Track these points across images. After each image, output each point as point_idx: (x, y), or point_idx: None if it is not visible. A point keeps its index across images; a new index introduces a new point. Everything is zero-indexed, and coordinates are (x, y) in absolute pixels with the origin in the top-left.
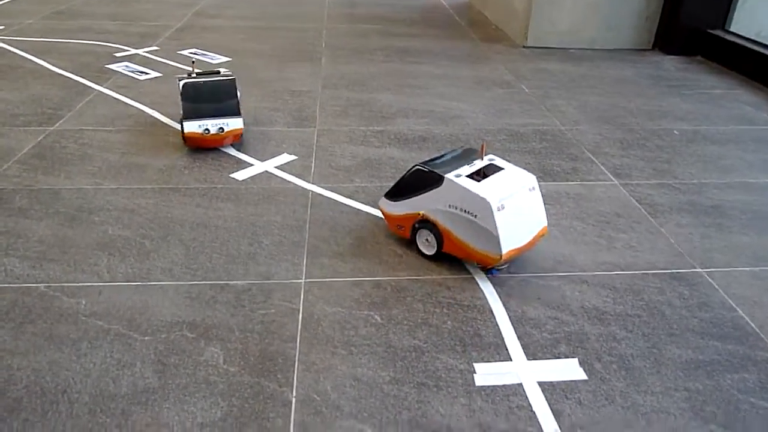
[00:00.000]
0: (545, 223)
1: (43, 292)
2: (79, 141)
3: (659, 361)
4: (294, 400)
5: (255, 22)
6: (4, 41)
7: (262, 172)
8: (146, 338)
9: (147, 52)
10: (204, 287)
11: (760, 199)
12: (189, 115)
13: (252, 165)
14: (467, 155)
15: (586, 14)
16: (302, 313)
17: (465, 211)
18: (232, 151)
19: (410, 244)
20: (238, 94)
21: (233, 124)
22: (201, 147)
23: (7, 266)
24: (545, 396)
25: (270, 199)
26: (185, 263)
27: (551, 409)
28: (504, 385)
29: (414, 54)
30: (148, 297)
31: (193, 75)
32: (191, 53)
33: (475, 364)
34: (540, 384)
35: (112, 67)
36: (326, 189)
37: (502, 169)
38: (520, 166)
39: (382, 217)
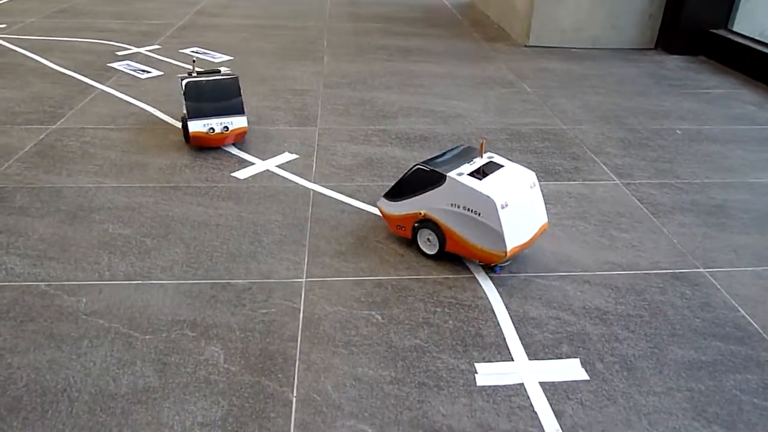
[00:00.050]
0: (546, 219)
1: (43, 291)
2: (80, 139)
3: (661, 362)
4: (294, 399)
5: (257, 20)
6: (6, 39)
7: (264, 171)
8: (147, 337)
9: (149, 50)
10: (205, 286)
11: (763, 198)
12: (194, 115)
13: (253, 164)
14: (467, 153)
15: (589, 13)
16: (303, 313)
17: (468, 209)
18: (234, 150)
19: (411, 243)
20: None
21: (238, 122)
22: (204, 146)
23: (7, 264)
24: (547, 396)
25: (271, 198)
26: (186, 262)
27: (553, 410)
28: (505, 386)
29: (416, 53)
30: (149, 296)
31: (194, 74)
32: (193, 52)
33: (476, 364)
34: (542, 384)
35: (114, 65)
36: (327, 188)
37: (502, 166)
38: (523, 166)
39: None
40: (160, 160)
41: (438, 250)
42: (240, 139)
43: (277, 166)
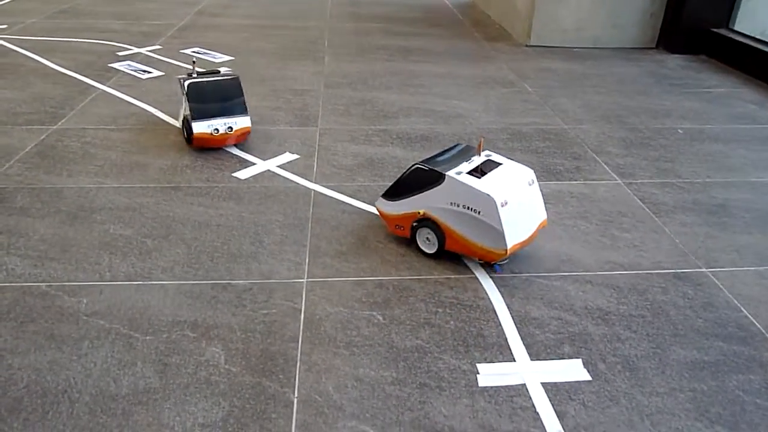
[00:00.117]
0: (545, 216)
1: (44, 292)
2: (81, 140)
3: (664, 362)
4: (296, 400)
5: (257, 20)
6: (7, 40)
7: (265, 171)
8: (147, 338)
9: (149, 51)
10: (205, 287)
11: (765, 198)
12: (198, 116)
13: (254, 164)
14: (465, 152)
15: (590, 13)
16: (304, 313)
17: (468, 207)
18: (235, 150)
19: (412, 243)
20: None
21: (241, 122)
22: (207, 147)
23: (8, 265)
24: (549, 397)
25: (272, 198)
26: (187, 262)
27: (555, 410)
28: (507, 386)
29: (417, 53)
30: (150, 296)
31: (194, 74)
32: (194, 52)
33: (478, 365)
34: (544, 385)
35: (115, 65)
36: (328, 188)
37: (501, 164)
38: (524, 165)
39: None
40: (160, 160)
41: (437, 249)
42: (243, 139)
43: (278, 167)
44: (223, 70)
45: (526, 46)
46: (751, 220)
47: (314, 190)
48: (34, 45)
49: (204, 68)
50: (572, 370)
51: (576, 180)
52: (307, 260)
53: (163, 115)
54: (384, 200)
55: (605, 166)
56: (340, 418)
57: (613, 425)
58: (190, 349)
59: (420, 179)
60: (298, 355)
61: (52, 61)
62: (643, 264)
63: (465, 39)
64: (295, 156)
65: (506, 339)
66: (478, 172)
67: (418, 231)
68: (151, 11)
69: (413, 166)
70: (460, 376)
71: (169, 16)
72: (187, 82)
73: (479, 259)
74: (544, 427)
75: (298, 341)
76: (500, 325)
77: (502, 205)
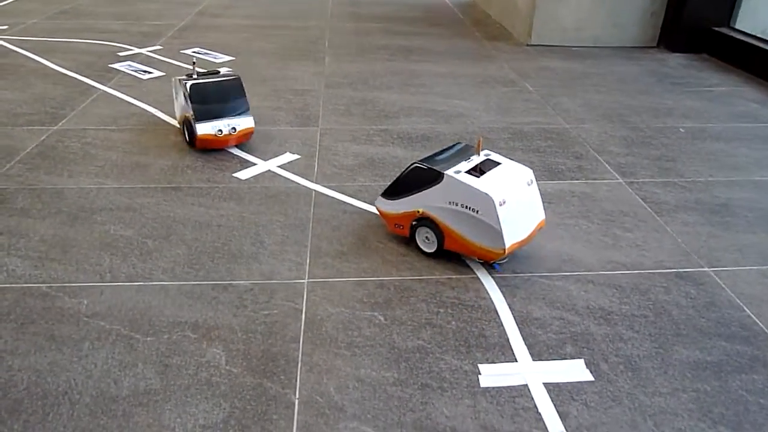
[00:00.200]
0: (543, 216)
1: (44, 293)
2: (81, 140)
3: (666, 362)
4: (297, 401)
5: (258, 21)
6: (7, 41)
7: (265, 172)
8: (148, 339)
9: (150, 51)
10: (206, 287)
11: None
12: (201, 117)
13: (255, 164)
14: (464, 151)
15: (590, 12)
16: (305, 314)
17: (466, 207)
18: (235, 151)
19: (411, 243)
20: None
21: (245, 123)
22: (209, 148)
23: (8, 266)
24: (551, 397)
25: (273, 198)
26: (187, 263)
27: (557, 411)
28: (509, 387)
29: (417, 52)
30: (150, 297)
31: (194, 75)
32: (194, 52)
33: (479, 365)
34: (546, 385)
35: (116, 66)
36: (329, 188)
37: (500, 163)
38: (524, 165)
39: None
40: (161, 160)
41: (437, 248)
42: (246, 139)
43: (278, 167)
44: (223, 70)
45: (527, 45)
46: (754, 219)
47: (315, 191)
48: (35, 45)
49: (204, 68)
50: (574, 371)
51: (577, 179)
52: (308, 260)
53: (164, 115)
54: (383, 199)
55: (607, 166)
56: (341, 419)
57: (616, 426)
58: (191, 350)
59: (419, 178)
60: (300, 355)
61: (52, 62)
62: (646, 263)
63: (466, 38)
64: (296, 156)
65: (508, 339)
66: (477, 171)
67: (417, 230)
68: (152, 11)
69: (412, 164)
70: (461, 377)
71: (169, 16)
72: (189, 84)
73: (478, 259)
74: (546, 427)
75: (299, 342)
76: (502, 325)
77: (501, 205)
